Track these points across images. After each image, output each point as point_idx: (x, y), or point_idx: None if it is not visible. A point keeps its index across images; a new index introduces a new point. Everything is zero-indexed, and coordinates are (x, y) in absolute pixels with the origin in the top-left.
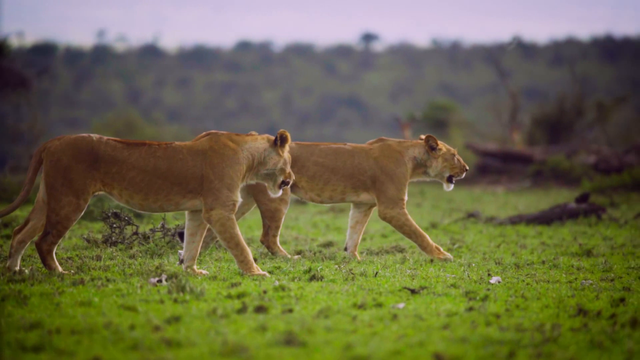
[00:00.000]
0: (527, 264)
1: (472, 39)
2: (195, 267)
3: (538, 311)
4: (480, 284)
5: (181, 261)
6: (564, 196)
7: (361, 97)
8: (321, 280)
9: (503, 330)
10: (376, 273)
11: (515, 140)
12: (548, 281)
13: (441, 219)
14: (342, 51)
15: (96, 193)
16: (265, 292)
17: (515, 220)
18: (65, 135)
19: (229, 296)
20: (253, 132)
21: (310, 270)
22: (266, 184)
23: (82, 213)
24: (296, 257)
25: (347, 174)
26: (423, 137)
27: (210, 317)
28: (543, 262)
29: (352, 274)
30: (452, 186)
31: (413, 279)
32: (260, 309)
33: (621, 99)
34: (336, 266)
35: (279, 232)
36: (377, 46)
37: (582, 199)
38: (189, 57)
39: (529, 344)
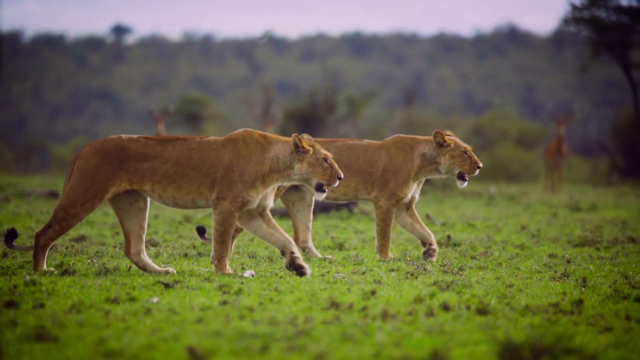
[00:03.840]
0: (280, 258)
1: (224, 33)
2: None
3: (291, 304)
4: (234, 277)
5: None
6: None
7: (113, 90)
8: (73, 274)
9: (256, 323)
10: (129, 267)
11: None
12: None
13: (195, 212)
14: (93, 43)
15: (118, 192)
16: (15, 287)
17: None
18: (98, 139)
19: None
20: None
21: (62, 264)
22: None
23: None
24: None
25: (359, 169)
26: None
27: None
28: None
29: (105, 268)
30: (465, 183)
31: (167, 272)
32: (10, 304)
33: (371, 93)
34: (89, 260)
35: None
36: (129, 39)
37: None
38: None
39: (282, 337)
